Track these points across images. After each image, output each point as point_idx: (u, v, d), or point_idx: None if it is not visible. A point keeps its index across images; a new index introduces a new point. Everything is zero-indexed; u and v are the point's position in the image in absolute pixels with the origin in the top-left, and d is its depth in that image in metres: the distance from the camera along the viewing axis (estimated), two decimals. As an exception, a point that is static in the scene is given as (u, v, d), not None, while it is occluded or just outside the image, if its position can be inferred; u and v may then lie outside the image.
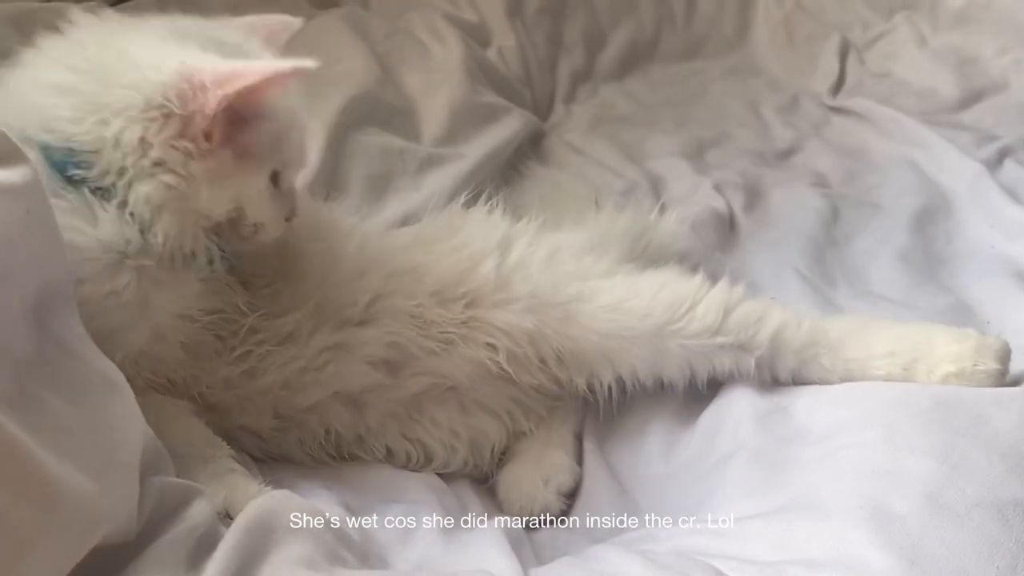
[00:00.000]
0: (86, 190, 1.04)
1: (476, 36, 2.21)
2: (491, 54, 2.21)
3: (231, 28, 1.17)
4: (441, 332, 1.23)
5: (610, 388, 1.27)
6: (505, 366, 1.24)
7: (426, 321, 1.22)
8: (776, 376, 1.24)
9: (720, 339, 1.22)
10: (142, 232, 1.05)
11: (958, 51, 2.33)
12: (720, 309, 1.22)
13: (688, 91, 2.37)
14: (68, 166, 1.04)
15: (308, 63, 1.03)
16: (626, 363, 1.24)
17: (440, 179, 1.77)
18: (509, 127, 1.97)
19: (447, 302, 1.23)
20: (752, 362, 1.22)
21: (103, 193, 1.04)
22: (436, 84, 1.98)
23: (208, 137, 1.04)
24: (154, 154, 1.03)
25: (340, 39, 2.02)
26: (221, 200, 1.09)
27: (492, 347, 1.24)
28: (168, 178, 1.04)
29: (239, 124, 1.05)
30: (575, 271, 1.26)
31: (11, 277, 0.80)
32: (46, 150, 1.04)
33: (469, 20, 2.26)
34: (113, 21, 1.17)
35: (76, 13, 1.17)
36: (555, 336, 1.23)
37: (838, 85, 2.32)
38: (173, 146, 1.03)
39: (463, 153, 1.85)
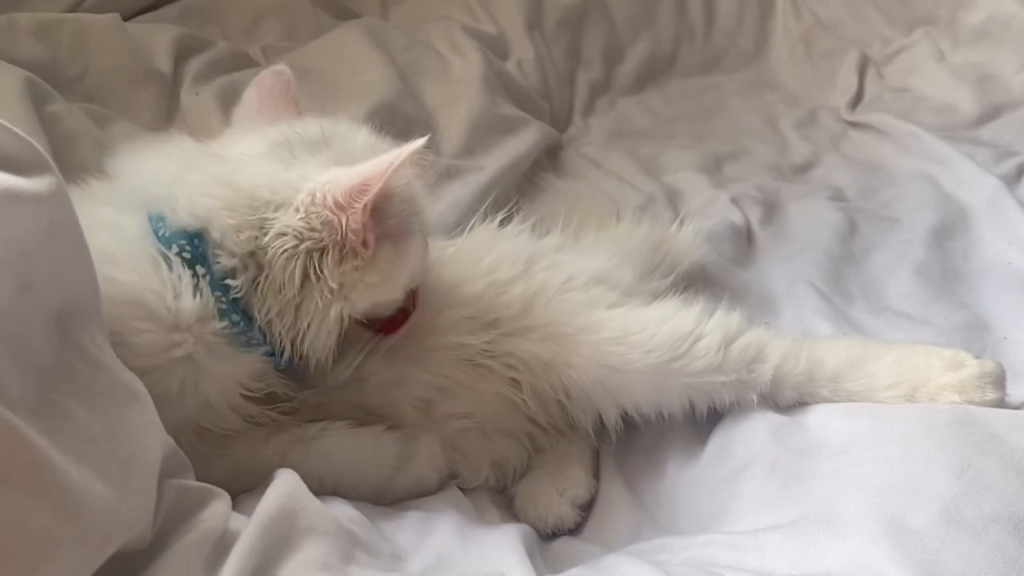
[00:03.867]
0: (181, 263, 1.06)
1: (495, 48, 2.22)
2: (510, 66, 2.21)
3: (305, 122, 1.19)
4: (469, 360, 1.24)
5: (617, 422, 1.28)
6: (529, 402, 1.26)
7: (462, 346, 1.24)
8: (777, 404, 1.25)
9: (722, 377, 1.23)
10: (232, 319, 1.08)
11: (977, 67, 2.33)
12: (721, 344, 1.22)
13: (706, 105, 2.37)
14: (195, 255, 1.06)
15: (419, 142, 1.08)
16: (628, 397, 1.25)
17: (459, 190, 1.78)
18: (527, 139, 1.98)
19: (476, 328, 1.24)
20: (754, 397, 1.23)
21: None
22: (455, 96, 1.99)
23: (366, 244, 1.07)
24: (330, 284, 1.07)
25: (360, 51, 2.03)
26: (399, 284, 1.15)
27: (516, 382, 1.25)
28: (348, 302, 1.09)
29: (379, 215, 1.08)
30: (584, 300, 1.27)
31: (33, 286, 0.80)
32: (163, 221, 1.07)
33: (488, 33, 2.26)
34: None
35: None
36: (563, 366, 1.24)
37: (856, 100, 2.32)
38: (343, 272, 1.07)
39: (482, 165, 1.85)
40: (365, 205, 1.04)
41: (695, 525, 1.18)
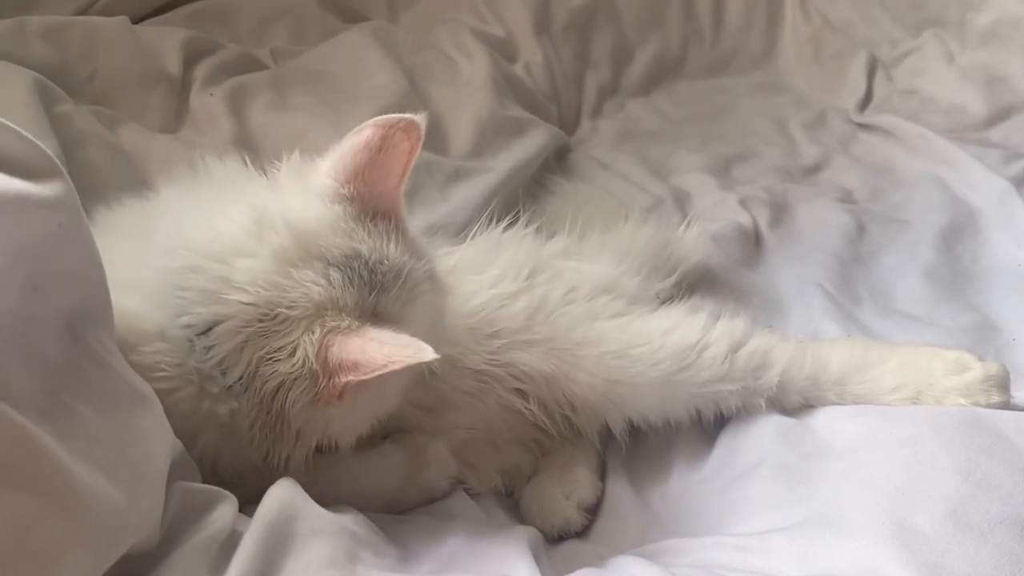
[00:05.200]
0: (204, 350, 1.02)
1: (503, 51, 2.22)
2: (518, 69, 2.21)
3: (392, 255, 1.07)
4: (474, 370, 1.23)
5: (623, 432, 1.28)
6: (536, 412, 1.26)
7: (465, 358, 1.22)
8: (783, 409, 1.25)
9: (729, 386, 1.23)
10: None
11: (986, 68, 2.32)
12: (726, 353, 1.23)
13: (714, 107, 2.37)
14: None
15: (428, 354, 0.96)
16: (634, 409, 1.26)
17: (467, 191, 1.78)
18: (536, 141, 1.97)
19: (479, 338, 1.23)
20: (762, 402, 1.24)
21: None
22: (463, 98, 1.99)
23: (340, 397, 1.00)
24: (292, 422, 1.02)
25: (368, 54, 2.03)
26: (355, 431, 1.09)
27: (522, 392, 1.25)
28: (303, 441, 1.04)
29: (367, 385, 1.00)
30: (585, 312, 1.26)
31: (42, 288, 0.81)
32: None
33: (496, 35, 2.26)
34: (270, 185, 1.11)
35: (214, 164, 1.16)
36: (566, 380, 1.24)
37: (865, 102, 2.31)
38: (310, 415, 1.02)
39: (490, 166, 1.85)
40: (348, 383, 0.97)
41: (702, 527, 1.18)
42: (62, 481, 0.76)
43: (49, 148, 0.85)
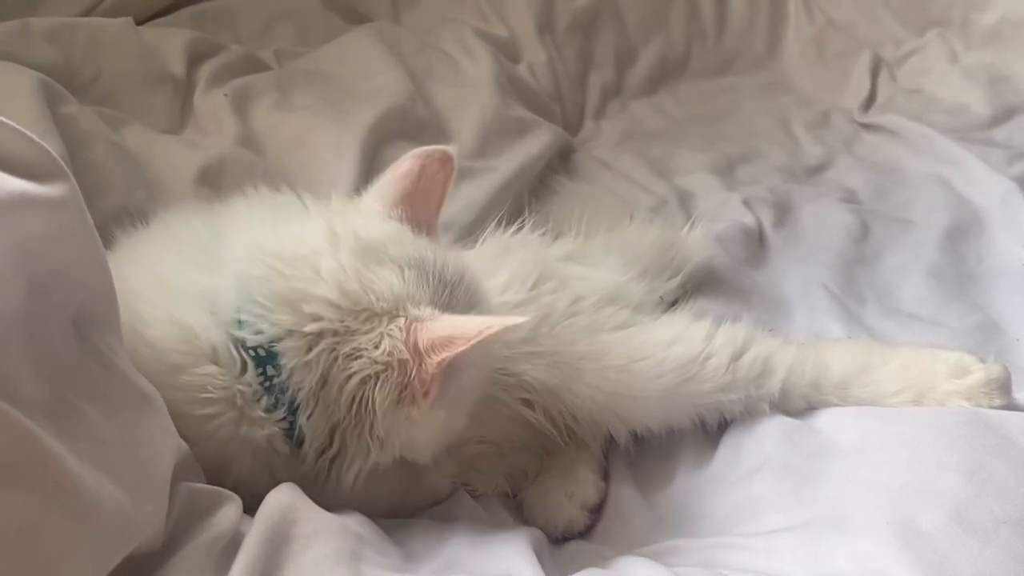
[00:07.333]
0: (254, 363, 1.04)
1: (506, 52, 2.22)
2: (521, 69, 2.21)
3: (448, 257, 1.13)
4: None
5: (627, 441, 1.29)
6: (543, 420, 1.26)
7: None
8: (787, 412, 1.25)
9: (731, 395, 1.24)
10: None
11: (990, 68, 2.31)
12: (728, 362, 1.23)
13: (718, 107, 2.36)
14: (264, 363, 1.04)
15: (517, 320, 1.05)
16: (637, 420, 1.26)
17: (472, 191, 1.77)
18: (540, 141, 1.97)
19: None
20: (765, 407, 1.24)
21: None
22: (467, 99, 1.99)
23: (426, 396, 1.04)
24: (378, 429, 1.04)
25: (372, 54, 2.03)
26: (432, 441, 1.11)
27: (528, 403, 1.25)
28: (384, 451, 1.07)
29: (451, 377, 1.04)
30: (589, 324, 1.26)
31: (46, 288, 0.81)
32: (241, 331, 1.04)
33: (499, 36, 2.26)
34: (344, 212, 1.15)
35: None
36: (567, 393, 1.24)
37: (869, 102, 2.31)
38: (395, 418, 1.04)
39: (494, 166, 1.85)
40: (443, 360, 1.00)
41: (706, 527, 1.18)
42: (67, 482, 0.76)
43: (53, 148, 0.85)
